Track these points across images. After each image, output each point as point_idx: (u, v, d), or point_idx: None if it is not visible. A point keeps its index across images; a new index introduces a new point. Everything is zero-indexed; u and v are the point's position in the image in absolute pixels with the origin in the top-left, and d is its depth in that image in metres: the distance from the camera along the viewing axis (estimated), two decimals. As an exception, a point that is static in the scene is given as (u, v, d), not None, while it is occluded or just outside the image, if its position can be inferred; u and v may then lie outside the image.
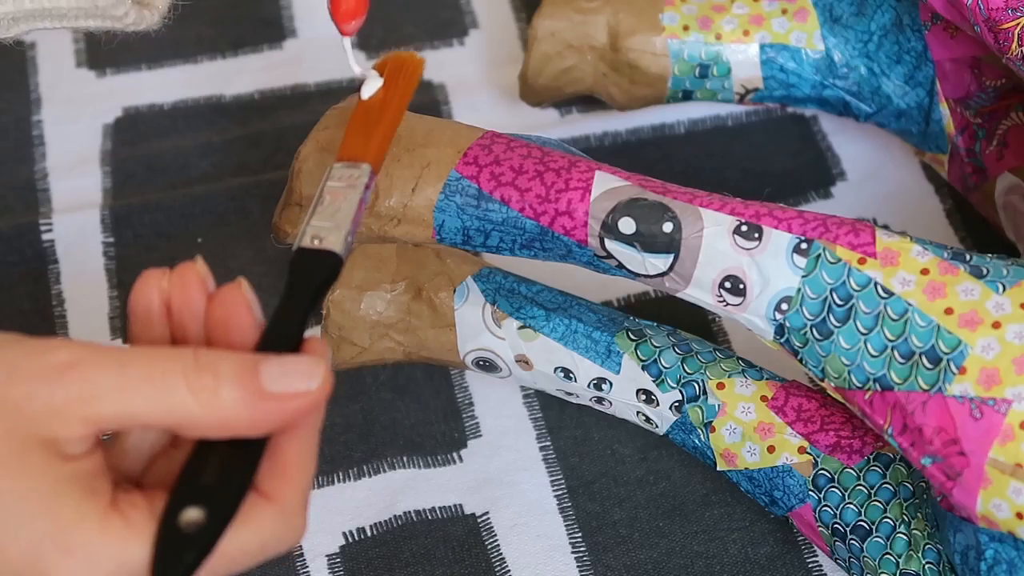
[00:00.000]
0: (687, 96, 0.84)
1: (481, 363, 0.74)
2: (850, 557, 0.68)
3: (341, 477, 0.75)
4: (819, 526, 0.69)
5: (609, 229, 0.66)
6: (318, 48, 0.93)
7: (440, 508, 0.74)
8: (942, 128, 0.80)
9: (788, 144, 0.88)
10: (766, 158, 0.88)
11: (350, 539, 0.73)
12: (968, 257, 0.64)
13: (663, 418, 0.72)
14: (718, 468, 0.71)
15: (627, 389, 0.72)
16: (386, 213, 0.67)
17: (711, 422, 0.71)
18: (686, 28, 0.83)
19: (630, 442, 0.76)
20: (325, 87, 0.91)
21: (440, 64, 0.92)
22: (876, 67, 0.81)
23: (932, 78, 0.79)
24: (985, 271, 0.63)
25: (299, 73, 0.92)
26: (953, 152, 0.80)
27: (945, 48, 0.79)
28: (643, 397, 0.72)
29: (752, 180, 0.86)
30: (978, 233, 0.84)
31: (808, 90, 0.82)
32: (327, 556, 0.73)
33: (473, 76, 0.92)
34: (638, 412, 0.73)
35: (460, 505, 0.75)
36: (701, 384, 0.71)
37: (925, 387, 0.62)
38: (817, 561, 0.72)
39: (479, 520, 0.74)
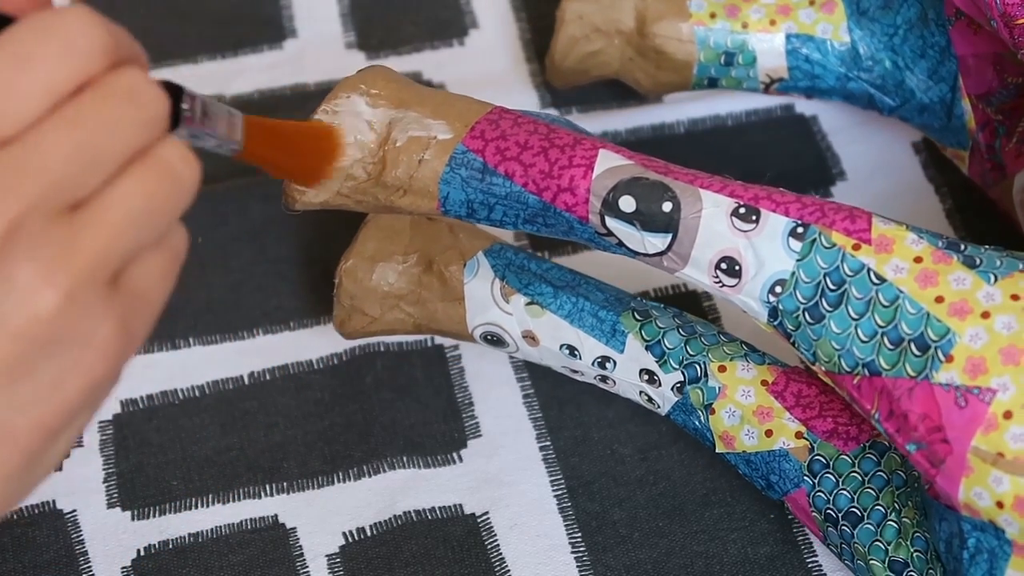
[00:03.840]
0: (712, 83, 0.84)
1: (489, 337, 0.75)
2: (841, 543, 0.68)
3: (341, 477, 0.76)
4: (812, 511, 0.69)
5: (610, 207, 0.66)
6: (318, 48, 0.93)
7: (440, 508, 0.75)
8: (964, 124, 0.80)
9: (788, 144, 0.88)
10: (766, 158, 0.87)
11: (350, 539, 0.74)
12: (962, 247, 0.64)
13: (665, 398, 0.73)
14: (717, 450, 0.71)
15: (630, 368, 0.73)
16: (392, 183, 0.68)
17: (711, 404, 0.71)
18: (713, 16, 0.83)
19: (630, 442, 0.77)
20: (325, 87, 0.91)
21: (440, 64, 0.92)
22: (900, 61, 0.81)
23: (955, 73, 0.79)
24: (978, 261, 0.63)
25: (299, 73, 0.92)
26: (974, 148, 0.80)
27: (968, 44, 0.78)
28: (646, 377, 0.73)
29: (752, 180, 0.85)
30: (978, 233, 0.83)
31: (833, 82, 0.82)
32: (327, 556, 0.73)
33: (473, 76, 0.91)
34: (641, 392, 0.73)
35: (460, 505, 0.75)
36: (703, 366, 0.71)
37: (912, 374, 0.62)
38: (817, 561, 0.72)
39: (479, 520, 0.74)
